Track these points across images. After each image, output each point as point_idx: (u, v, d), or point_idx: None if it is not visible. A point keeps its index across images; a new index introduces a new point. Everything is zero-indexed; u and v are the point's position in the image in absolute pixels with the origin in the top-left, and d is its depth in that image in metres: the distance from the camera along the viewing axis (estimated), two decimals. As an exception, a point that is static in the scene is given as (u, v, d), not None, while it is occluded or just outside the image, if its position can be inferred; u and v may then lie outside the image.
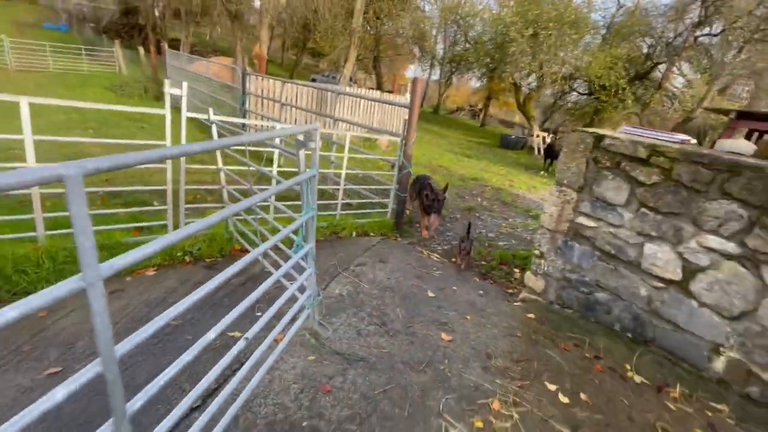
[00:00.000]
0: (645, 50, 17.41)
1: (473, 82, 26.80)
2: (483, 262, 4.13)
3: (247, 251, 3.00)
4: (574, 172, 2.59)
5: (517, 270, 3.98)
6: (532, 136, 15.56)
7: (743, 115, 9.94)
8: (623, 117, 20.90)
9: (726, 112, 11.32)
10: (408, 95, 11.29)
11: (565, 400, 2.00)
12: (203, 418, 1.32)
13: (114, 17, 27.31)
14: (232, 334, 2.15)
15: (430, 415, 1.77)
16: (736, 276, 2.03)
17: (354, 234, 4.07)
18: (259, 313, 2.21)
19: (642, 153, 2.28)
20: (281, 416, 1.65)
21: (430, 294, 2.92)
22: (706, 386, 2.20)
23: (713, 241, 2.09)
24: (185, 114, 2.74)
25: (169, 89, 2.59)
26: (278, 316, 1.88)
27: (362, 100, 10.10)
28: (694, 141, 2.49)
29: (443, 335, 2.41)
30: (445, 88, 32.32)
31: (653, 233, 2.30)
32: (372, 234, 4.21)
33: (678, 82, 17.44)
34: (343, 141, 4.97)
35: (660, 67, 16.33)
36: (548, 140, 13.99)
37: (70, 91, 10.40)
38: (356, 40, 14.12)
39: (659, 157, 2.22)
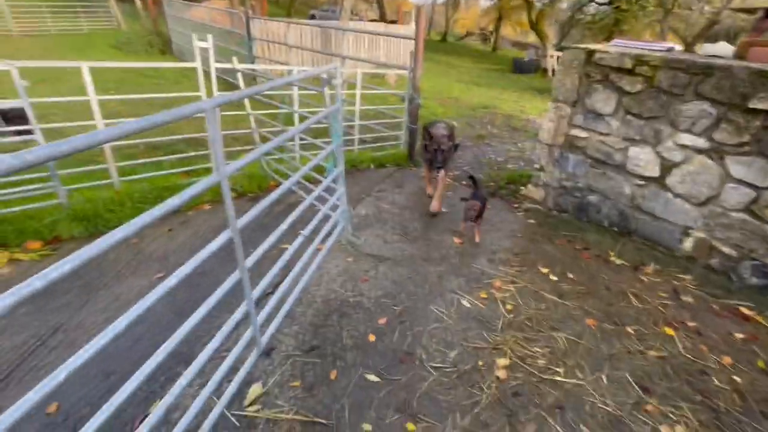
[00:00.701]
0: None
1: (482, 1, 24.87)
2: (491, 183, 4.51)
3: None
4: (569, 88, 2.85)
5: (523, 188, 4.35)
6: (546, 57, 14.87)
7: (772, 13, 9.30)
8: (646, 26, 19.40)
9: (752, 11, 10.53)
10: (413, 24, 10.90)
11: (554, 278, 2.50)
12: (276, 297, 1.84)
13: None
14: (283, 246, 2.68)
15: (445, 291, 2.29)
16: (704, 167, 2.37)
17: (372, 166, 4.46)
18: (302, 231, 2.71)
19: (628, 63, 2.51)
20: (333, 296, 2.21)
21: (444, 209, 3.36)
22: (676, 263, 2.65)
23: (686, 138, 2.40)
24: (214, 65, 3.04)
25: (197, 43, 2.88)
26: (317, 231, 2.37)
27: (367, 35, 9.88)
28: (680, 48, 2.67)
29: (455, 239, 2.88)
30: (453, 12, 30.20)
31: (636, 137, 2.61)
32: (388, 165, 4.59)
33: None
34: (352, 79, 5.16)
35: (688, -37, 14.78)
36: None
37: (79, 53, 10.51)
38: (354, -33, 13.28)
39: (643, 66, 2.45)
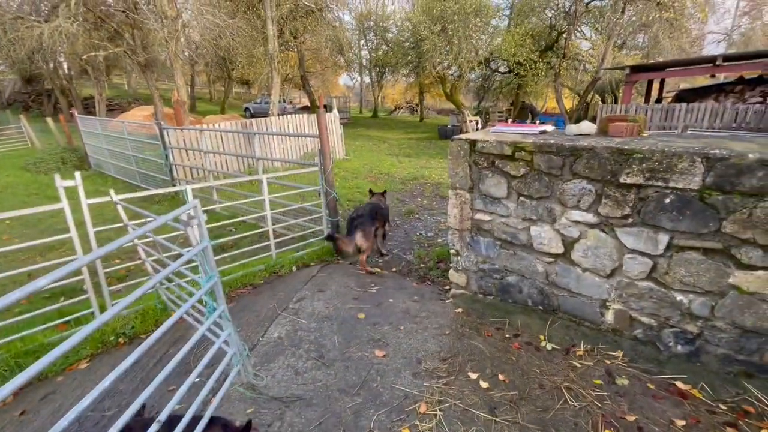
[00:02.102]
0: (548, 22, 18.68)
1: (403, 80, 27.50)
2: (422, 265, 4.37)
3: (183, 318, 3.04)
4: (462, 176, 2.87)
5: (451, 263, 4.25)
6: (465, 122, 16.25)
7: (636, 69, 11.02)
8: (544, 86, 22.27)
9: (622, 68, 12.48)
10: (335, 111, 11.50)
11: (485, 385, 2.24)
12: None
13: (16, 87, 25.59)
14: (171, 389, 2.22)
15: (361, 436, 1.94)
16: (600, 241, 2.37)
17: (294, 268, 4.18)
18: (174, 387, 2.28)
19: (507, 150, 2.58)
20: (220, 477, 1.76)
21: (366, 314, 3.10)
22: (604, 338, 2.53)
23: (577, 214, 2.41)
24: (85, 203, 2.74)
25: (59, 183, 2.59)
26: (208, 376, 2.00)
27: (289, 126, 10.19)
28: (552, 128, 2.84)
29: (377, 352, 2.59)
30: (379, 90, 32.93)
31: (533, 217, 2.61)
32: (313, 263, 4.33)
33: (584, 45, 18.85)
34: (274, 180, 5.06)
35: (564, 35, 17.57)
36: (479, 125, 14.66)
37: (-21, 180, 9.70)
38: (276, 65, 14.17)
39: (521, 152, 2.52)
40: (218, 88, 34.72)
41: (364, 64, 28.73)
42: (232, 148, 8.73)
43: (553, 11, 18.19)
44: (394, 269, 4.31)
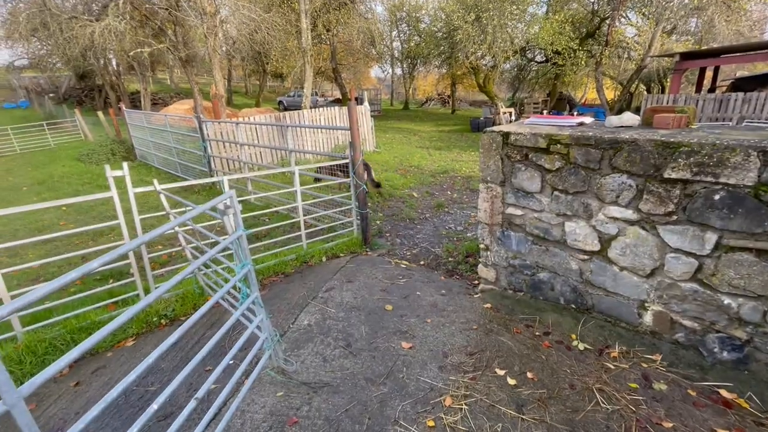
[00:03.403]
0: (590, 7, 17.71)
1: (435, 71, 27.08)
2: (450, 259, 4.34)
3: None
4: (494, 169, 2.81)
5: (480, 258, 4.19)
6: (499, 114, 15.82)
7: (686, 56, 10.26)
8: (584, 75, 21.23)
9: (671, 56, 11.65)
10: (366, 104, 11.52)
11: (512, 382, 2.21)
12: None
13: (71, 83, 27.44)
14: (208, 369, 2.35)
15: (387, 424, 1.97)
16: (640, 239, 2.25)
17: (324, 258, 4.26)
18: (210, 368, 2.38)
19: (542, 143, 2.49)
20: (252, 455, 1.85)
21: (394, 305, 3.12)
22: (642, 340, 2.42)
23: (615, 211, 2.31)
24: (132, 192, 2.92)
25: (109, 173, 2.77)
26: (241, 359, 2.10)
27: (321, 119, 10.33)
28: (590, 120, 2.71)
29: (404, 344, 2.61)
30: (411, 82, 32.63)
31: (568, 212, 2.52)
32: (342, 254, 4.41)
33: (630, 32, 17.75)
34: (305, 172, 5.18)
35: (607, 21, 16.61)
36: (513, 117, 14.23)
37: (38, 170, 10.55)
38: (309, 59, 14.36)
39: (556, 144, 2.43)
40: (253, 81, 35.65)
41: (396, 55, 28.50)
42: (266, 141, 8.99)
43: (595, -5, 17.22)
44: (422, 262, 4.31)
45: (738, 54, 9.29)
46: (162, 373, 2.50)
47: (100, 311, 3.08)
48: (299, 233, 4.27)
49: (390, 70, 33.59)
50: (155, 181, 3.03)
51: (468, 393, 2.14)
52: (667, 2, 11.57)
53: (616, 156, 2.22)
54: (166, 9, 12.42)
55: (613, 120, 2.49)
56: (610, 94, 22.32)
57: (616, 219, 2.32)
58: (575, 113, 14.99)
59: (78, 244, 5.20)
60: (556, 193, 2.54)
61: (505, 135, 2.67)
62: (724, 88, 13.46)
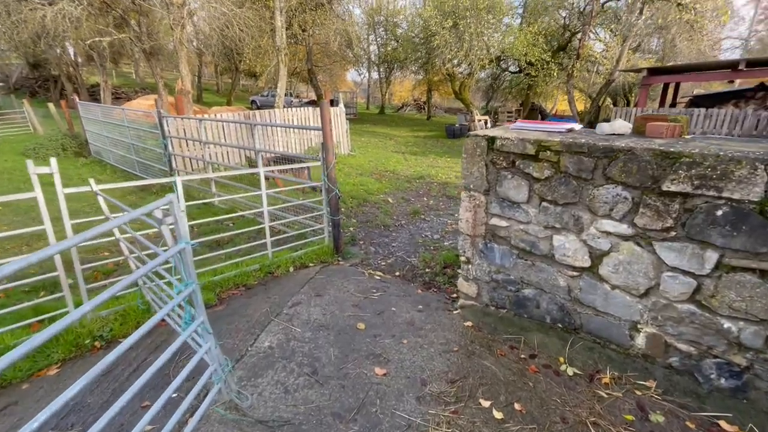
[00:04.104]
0: (562, 22, 18.24)
1: (411, 76, 27.13)
2: (427, 270, 4.10)
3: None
4: (477, 177, 2.59)
5: (461, 271, 3.97)
6: (474, 121, 15.91)
7: (653, 71, 10.64)
8: (555, 87, 21.86)
9: (638, 71, 12.09)
10: (341, 106, 11.22)
11: (499, 415, 1.97)
12: None
13: (23, 73, 25.49)
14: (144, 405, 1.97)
15: (356, 473, 1.68)
16: (634, 255, 2.08)
17: (291, 269, 3.92)
18: (148, 403, 2.01)
19: (530, 150, 2.30)
20: None
21: (367, 324, 2.83)
22: (634, 364, 2.25)
23: (608, 224, 2.13)
24: (61, 192, 2.49)
25: (33, 170, 2.34)
26: (187, 391, 1.75)
27: (294, 119, 9.92)
28: (579, 126, 2.55)
29: (377, 370, 2.32)
30: (387, 87, 32.57)
31: (557, 225, 2.33)
32: (311, 264, 4.07)
33: (598, 47, 18.40)
34: (274, 174, 4.80)
35: (578, 36, 17.14)
36: (489, 125, 14.33)
37: (-24, 165, 9.52)
38: (284, 58, 13.89)
39: (546, 151, 2.24)
40: (225, 79, 34.48)
41: (373, 59, 28.37)
42: (234, 140, 8.49)
43: (567, 11, 17.77)
44: (397, 273, 4.05)
45: (702, 72, 9.70)
46: (88, 410, 2.09)
47: (19, 332, 2.60)
48: (265, 241, 3.90)
49: (366, 74, 33.46)
50: (92, 181, 2.61)
51: (450, 430, 1.88)
52: (635, 20, 12.00)
53: (610, 165, 2.05)
54: (129, -3, 11.65)
55: (605, 127, 2.32)
56: (579, 106, 23.09)
57: (609, 233, 2.14)
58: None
59: (9, 250, 4.59)
60: (544, 203, 2.35)
61: (491, 140, 2.46)
62: (684, 104, 14.13)
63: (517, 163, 2.39)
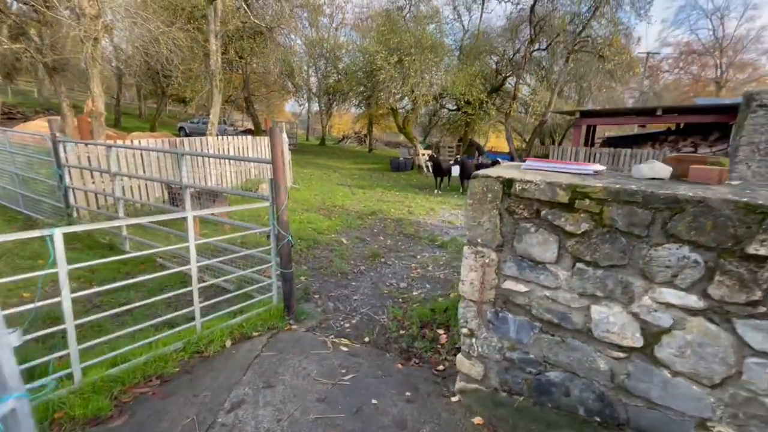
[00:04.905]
0: (494, 66, 19.61)
1: (353, 109, 27.21)
2: (402, 332, 3.40)
3: None
4: (488, 228, 2.02)
5: (441, 332, 3.34)
6: (418, 155, 16.00)
7: (584, 114, 11.54)
8: (490, 126, 23.24)
9: (572, 113, 13.14)
10: (284, 135, 10.41)
11: None
12: None
13: None
14: None
15: None
16: (707, 335, 1.61)
17: (229, 342, 2.97)
18: None
19: (563, 197, 1.79)
20: None
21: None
22: (702, 473, 1.74)
23: (670, 294, 1.65)
24: None
25: None
26: None
27: (230, 149, 8.88)
28: (603, 168, 2.13)
29: None
30: (328, 119, 32.34)
31: (598, 293, 1.81)
32: (256, 333, 3.15)
33: (527, 91, 20.00)
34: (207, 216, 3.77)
35: (509, 79, 18.47)
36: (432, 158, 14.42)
37: None
38: (217, 83, 12.83)
39: (584, 199, 1.75)
40: (150, 104, 31.64)
41: (314, 90, 28.08)
42: (155, 172, 7.21)
43: (497, 57, 19.18)
44: (366, 339, 3.29)
45: (624, 116, 10.62)
46: None
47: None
48: (192, 308, 2.92)
49: (306, 105, 33.05)
50: None
51: None
52: (563, 68, 13.12)
53: (673, 220, 1.59)
54: (26, 2, 9.97)
55: (644, 169, 1.91)
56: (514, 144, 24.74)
57: (671, 306, 1.66)
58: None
59: None
60: (580, 265, 1.83)
61: (507, 183, 1.92)
62: (598, 144, 15.60)
63: (542, 213, 1.86)
